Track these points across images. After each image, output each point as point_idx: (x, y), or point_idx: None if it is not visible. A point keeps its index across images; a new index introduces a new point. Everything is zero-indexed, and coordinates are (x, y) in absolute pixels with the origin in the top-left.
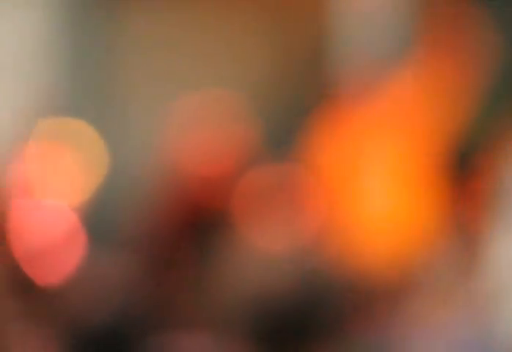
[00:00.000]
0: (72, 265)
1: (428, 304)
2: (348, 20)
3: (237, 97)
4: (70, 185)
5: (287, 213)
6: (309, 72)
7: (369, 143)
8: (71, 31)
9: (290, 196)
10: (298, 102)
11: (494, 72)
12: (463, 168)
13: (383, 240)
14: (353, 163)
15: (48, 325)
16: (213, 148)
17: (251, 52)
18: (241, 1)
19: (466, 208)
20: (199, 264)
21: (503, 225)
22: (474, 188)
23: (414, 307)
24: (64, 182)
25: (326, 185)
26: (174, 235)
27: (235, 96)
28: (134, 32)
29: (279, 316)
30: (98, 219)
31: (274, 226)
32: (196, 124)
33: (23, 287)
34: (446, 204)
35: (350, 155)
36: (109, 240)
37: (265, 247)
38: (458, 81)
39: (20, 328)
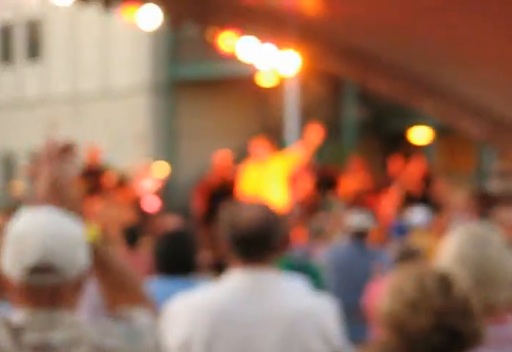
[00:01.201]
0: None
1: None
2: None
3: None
4: (157, 183)
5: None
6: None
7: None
8: (160, 115)
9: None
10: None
11: None
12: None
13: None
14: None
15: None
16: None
17: (240, 126)
18: (235, 104)
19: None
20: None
21: None
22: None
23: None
24: (155, 182)
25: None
26: (207, 204)
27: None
28: (186, 114)
29: (256, 228)
30: (172, 199)
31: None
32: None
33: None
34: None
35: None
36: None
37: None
38: None
39: None
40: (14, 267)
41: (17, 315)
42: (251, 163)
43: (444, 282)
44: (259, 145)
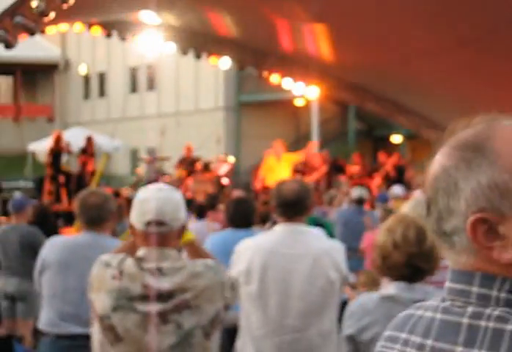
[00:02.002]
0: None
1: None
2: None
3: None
4: (228, 168)
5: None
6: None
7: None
8: (231, 126)
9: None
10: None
11: None
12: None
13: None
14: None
15: None
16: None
17: (282, 133)
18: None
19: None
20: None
21: None
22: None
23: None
24: (227, 168)
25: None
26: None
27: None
28: (247, 124)
29: (294, 196)
30: (238, 179)
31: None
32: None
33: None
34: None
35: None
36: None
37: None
38: None
39: None
40: (138, 221)
41: (140, 251)
42: (271, 156)
43: (421, 233)
44: (277, 145)
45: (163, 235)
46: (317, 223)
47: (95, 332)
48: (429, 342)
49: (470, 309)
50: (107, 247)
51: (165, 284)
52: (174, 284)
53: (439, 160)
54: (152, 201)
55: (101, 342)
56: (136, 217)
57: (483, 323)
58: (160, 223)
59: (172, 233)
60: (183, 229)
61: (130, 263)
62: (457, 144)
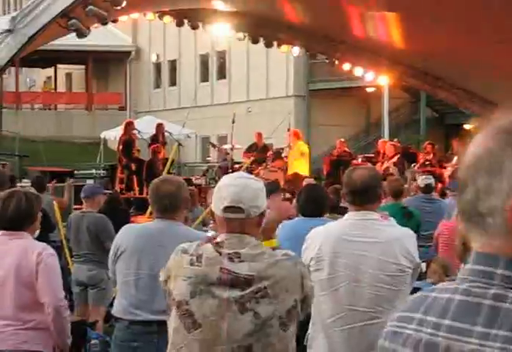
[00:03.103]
0: None
1: None
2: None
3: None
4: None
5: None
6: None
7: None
8: (301, 113)
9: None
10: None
11: None
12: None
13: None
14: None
15: None
16: None
17: (352, 121)
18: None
19: None
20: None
21: None
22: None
23: None
24: None
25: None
26: (330, 169)
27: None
28: (317, 112)
29: (364, 184)
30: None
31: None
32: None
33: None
34: None
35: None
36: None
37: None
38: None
39: None
40: (217, 207)
41: (219, 237)
42: (287, 146)
43: None
44: (291, 135)
45: (241, 221)
46: (405, 211)
47: (172, 320)
48: (446, 321)
49: (492, 291)
50: (180, 235)
51: (243, 269)
52: (253, 270)
53: (481, 143)
54: (230, 187)
55: (178, 329)
56: (215, 203)
57: (505, 305)
58: (236, 209)
59: (250, 220)
60: (262, 217)
61: (208, 248)
62: (502, 129)
